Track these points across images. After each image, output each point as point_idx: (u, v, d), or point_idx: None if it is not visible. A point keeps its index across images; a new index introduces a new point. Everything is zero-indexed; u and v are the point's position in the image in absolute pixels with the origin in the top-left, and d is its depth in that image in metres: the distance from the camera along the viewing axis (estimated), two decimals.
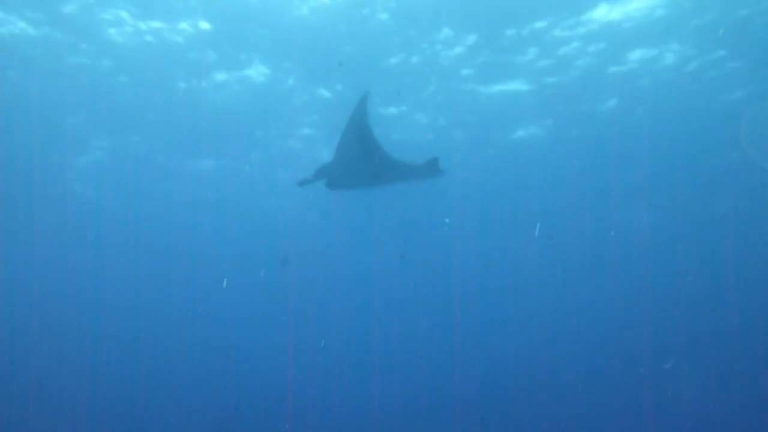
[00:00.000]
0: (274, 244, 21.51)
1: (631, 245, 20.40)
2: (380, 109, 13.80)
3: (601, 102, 13.90)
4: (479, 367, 28.80)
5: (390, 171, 7.17)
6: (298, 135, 15.52)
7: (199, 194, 18.97)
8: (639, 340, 25.51)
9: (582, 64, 12.48)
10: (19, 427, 23.64)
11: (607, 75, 12.81)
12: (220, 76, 13.25)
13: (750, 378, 25.31)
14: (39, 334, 25.98)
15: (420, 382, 28.59)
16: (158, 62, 12.63)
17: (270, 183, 18.14)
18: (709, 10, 10.96)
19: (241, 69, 12.96)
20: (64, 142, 16.22)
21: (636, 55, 12.22)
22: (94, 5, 11.09)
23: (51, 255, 22.23)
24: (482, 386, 29.31)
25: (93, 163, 17.29)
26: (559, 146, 15.64)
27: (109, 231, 20.98)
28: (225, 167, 17.60)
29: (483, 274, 22.98)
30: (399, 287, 24.12)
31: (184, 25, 11.58)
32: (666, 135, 15.17)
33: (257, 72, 13.01)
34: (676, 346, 25.13)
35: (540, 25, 11.33)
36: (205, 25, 11.55)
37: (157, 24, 11.57)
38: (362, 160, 6.71)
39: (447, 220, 19.44)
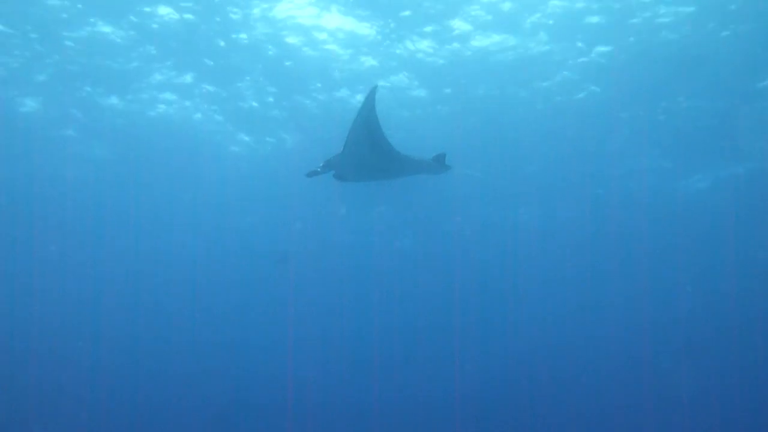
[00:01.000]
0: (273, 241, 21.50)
1: (632, 245, 20.45)
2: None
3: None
4: (479, 367, 28.80)
5: (397, 164, 7.23)
6: None
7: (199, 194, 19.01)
8: (639, 340, 25.55)
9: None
10: (19, 427, 23.52)
11: None
12: None
13: (750, 378, 25.36)
14: (39, 334, 25.88)
15: (420, 381, 28.55)
16: None
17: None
18: None
19: None
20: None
21: None
22: None
23: (51, 255, 22.18)
24: (482, 386, 29.29)
25: (93, 162, 17.27)
26: None
27: (108, 229, 20.96)
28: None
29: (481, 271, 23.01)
30: (398, 286, 24.11)
31: None
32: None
33: None
34: (676, 346, 25.14)
35: None
36: None
37: None
38: (369, 153, 6.74)
39: (458, 218, 19.30)
